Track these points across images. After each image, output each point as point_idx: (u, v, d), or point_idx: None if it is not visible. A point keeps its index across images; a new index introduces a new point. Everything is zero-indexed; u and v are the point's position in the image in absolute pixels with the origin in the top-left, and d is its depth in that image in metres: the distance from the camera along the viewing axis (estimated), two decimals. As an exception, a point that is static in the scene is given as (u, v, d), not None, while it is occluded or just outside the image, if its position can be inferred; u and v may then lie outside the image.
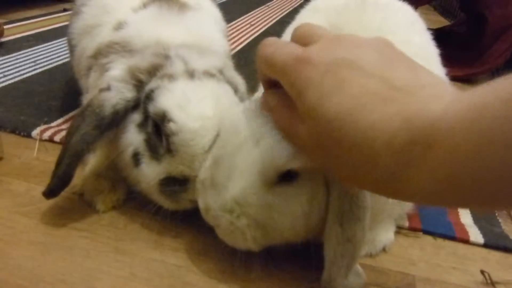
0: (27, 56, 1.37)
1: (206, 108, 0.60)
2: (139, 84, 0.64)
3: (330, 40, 0.43)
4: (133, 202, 0.69)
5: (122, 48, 0.71)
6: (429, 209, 0.75)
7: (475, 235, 0.70)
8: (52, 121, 0.95)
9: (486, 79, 1.62)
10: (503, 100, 0.30)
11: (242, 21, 2.16)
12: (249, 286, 0.57)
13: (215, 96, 0.62)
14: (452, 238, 0.70)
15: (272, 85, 0.49)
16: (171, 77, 0.63)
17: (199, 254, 0.62)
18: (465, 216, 0.76)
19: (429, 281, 0.61)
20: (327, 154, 0.41)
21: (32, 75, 1.22)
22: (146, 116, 0.63)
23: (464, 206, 0.38)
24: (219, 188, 0.52)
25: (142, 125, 0.63)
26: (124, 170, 0.66)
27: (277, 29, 2.02)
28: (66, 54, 1.32)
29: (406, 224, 0.71)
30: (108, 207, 0.69)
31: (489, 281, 0.61)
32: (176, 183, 0.60)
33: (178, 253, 0.62)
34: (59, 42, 1.51)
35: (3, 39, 1.50)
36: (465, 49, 1.60)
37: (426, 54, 0.64)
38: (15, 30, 1.65)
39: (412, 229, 0.71)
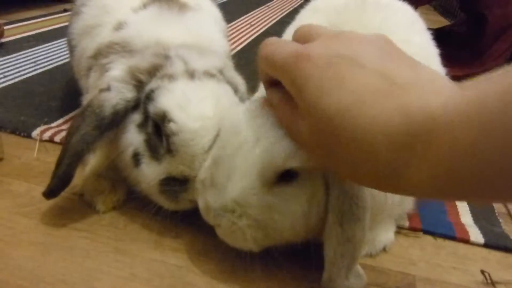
0: (27, 56, 1.37)
1: (206, 108, 0.60)
2: (139, 84, 0.64)
3: (330, 37, 0.43)
4: (133, 202, 0.69)
5: (122, 48, 0.71)
6: (429, 209, 0.75)
7: (476, 235, 0.70)
8: (52, 121, 0.95)
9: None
10: (501, 93, 0.30)
11: (242, 21, 2.16)
12: (249, 286, 0.57)
13: (215, 96, 0.62)
14: (453, 238, 0.70)
15: (273, 85, 0.49)
16: (171, 77, 0.63)
17: (200, 254, 0.62)
18: (466, 216, 0.76)
19: (430, 281, 0.61)
20: (328, 151, 0.41)
21: (32, 76, 1.22)
22: (146, 116, 0.63)
23: (464, 199, 0.38)
24: (219, 188, 0.52)
25: (142, 125, 0.63)
26: (124, 170, 0.66)
27: (277, 29, 2.02)
28: (66, 54, 1.32)
29: (406, 224, 0.71)
30: (108, 208, 0.69)
31: (489, 281, 0.61)
32: (176, 183, 0.60)
33: (179, 253, 0.62)
34: (59, 42, 1.52)
35: (4, 40, 1.50)
36: (465, 49, 1.60)
37: (426, 54, 0.64)
38: (15, 31, 1.65)
39: (412, 229, 0.71)
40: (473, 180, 0.32)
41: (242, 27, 2.04)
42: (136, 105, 0.64)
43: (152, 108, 0.61)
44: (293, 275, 0.59)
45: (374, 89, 0.37)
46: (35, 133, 0.89)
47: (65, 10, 2.02)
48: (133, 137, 0.63)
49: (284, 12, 2.54)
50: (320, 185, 0.51)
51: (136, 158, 0.63)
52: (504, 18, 1.50)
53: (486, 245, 0.69)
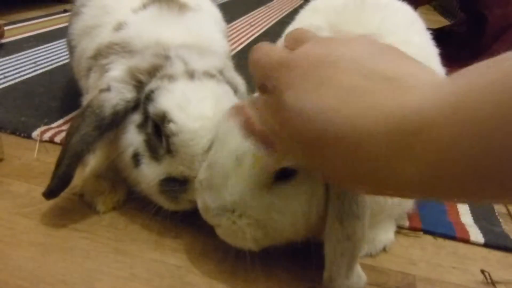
0: (27, 57, 1.37)
1: (206, 108, 0.60)
2: (139, 85, 0.64)
3: (316, 41, 0.44)
4: (133, 202, 0.69)
5: (122, 48, 0.71)
6: (429, 209, 0.75)
7: (476, 234, 0.70)
8: (52, 122, 0.95)
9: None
10: (482, 87, 0.30)
11: (242, 22, 2.17)
12: (250, 286, 0.57)
13: (215, 97, 0.62)
14: (453, 238, 0.70)
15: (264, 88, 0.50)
16: (171, 78, 0.63)
17: (199, 254, 0.62)
18: (466, 216, 0.76)
19: (430, 281, 0.61)
20: (312, 155, 0.41)
21: (33, 76, 1.22)
22: (146, 117, 0.63)
23: (452, 197, 0.38)
24: (217, 190, 0.52)
25: (142, 126, 0.63)
26: (124, 170, 0.67)
27: (277, 29, 2.02)
28: (66, 55, 1.32)
29: (407, 223, 0.71)
30: (108, 208, 0.69)
31: (489, 281, 0.61)
32: (176, 184, 0.60)
33: (178, 254, 0.62)
34: (60, 43, 1.52)
35: (4, 40, 1.50)
36: (465, 49, 1.59)
37: (426, 54, 0.64)
38: (15, 31, 1.65)
39: (413, 228, 0.71)
40: (459, 177, 0.32)
41: (242, 28, 2.04)
42: (136, 105, 0.64)
43: (152, 109, 0.61)
44: (293, 275, 0.59)
45: (356, 89, 0.37)
46: (35, 133, 0.89)
47: (65, 11, 2.02)
48: (133, 138, 0.63)
49: (284, 12, 2.54)
50: (320, 183, 0.51)
51: (136, 158, 0.63)
52: (504, 18, 1.50)
53: (486, 245, 0.69)
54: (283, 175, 0.50)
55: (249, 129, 0.49)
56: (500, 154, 0.29)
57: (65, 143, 0.63)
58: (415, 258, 0.65)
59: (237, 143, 0.51)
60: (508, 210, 0.79)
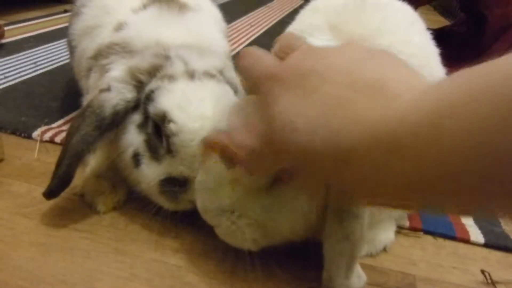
0: (27, 57, 1.38)
1: (206, 108, 0.60)
2: (139, 85, 0.64)
3: (304, 51, 0.44)
4: (133, 202, 0.70)
5: (122, 49, 0.72)
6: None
7: (476, 234, 0.70)
8: (52, 122, 0.95)
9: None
10: (465, 101, 0.30)
11: (242, 22, 2.17)
12: (250, 286, 0.57)
13: (215, 97, 0.62)
14: (453, 238, 0.70)
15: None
16: (171, 78, 0.63)
17: (200, 254, 0.62)
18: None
19: (430, 281, 0.61)
20: (301, 168, 0.42)
21: (33, 77, 1.22)
22: (146, 117, 0.63)
23: (437, 210, 0.38)
24: (216, 190, 0.52)
25: (142, 126, 0.63)
26: (125, 170, 0.67)
27: (277, 29, 2.02)
28: (66, 55, 1.32)
29: (407, 224, 0.71)
30: (109, 208, 0.69)
31: (489, 281, 0.61)
32: (176, 184, 0.60)
33: (179, 254, 0.62)
34: (60, 43, 1.52)
35: (4, 41, 1.50)
36: (465, 49, 1.59)
37: (426, 53, 0.64)
38: (15, 32, 1.65)
39: (413, 229, 0.71)
40: (441, 192, 0.32)
41: (242, 28, 2.04)
42: (136, 105, 0.64)
43: (152, 109, 0.61)
44: (293, 275, 0.59)
45: (341, 100, 0.37)
46: (36, 133, 0.89)
47: (66, 11, 2.02)
48: (133, 138, 0.63)
49: (284, 12, 2.55)
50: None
51: (136, 158, 0.63)
52: (504, 18, 1.50)
53: (486, 245, 0.69)
54: (282, 176, 0.50)
55: (228, 159, 0.49)
56: (481, 168, 0.29)
57: (65, 143, 0.63)
58: (415, 258, 0.65)
59: None
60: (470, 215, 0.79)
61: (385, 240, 0.65)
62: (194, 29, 0.78)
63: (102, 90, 0.64)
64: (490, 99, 0.28)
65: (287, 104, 0.40)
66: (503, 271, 0.63)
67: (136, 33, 0.73)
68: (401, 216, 0.70)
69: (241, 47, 1.71)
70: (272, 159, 0.44)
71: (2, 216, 0.65)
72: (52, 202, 0.67)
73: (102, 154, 0.70)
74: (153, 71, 0.65)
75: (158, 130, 0.61)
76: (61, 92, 1.13)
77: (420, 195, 0.34)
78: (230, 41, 1.49)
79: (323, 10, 0.66)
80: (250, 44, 1.77)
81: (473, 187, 0.30)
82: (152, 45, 0.70)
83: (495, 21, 1.52)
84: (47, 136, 0.88)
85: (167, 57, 0.67)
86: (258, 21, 2.24)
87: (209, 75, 0.65)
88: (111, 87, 0.64)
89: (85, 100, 0.77)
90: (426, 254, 0.66)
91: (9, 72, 1.22)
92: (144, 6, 0.79)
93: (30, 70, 1.26)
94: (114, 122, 0.63)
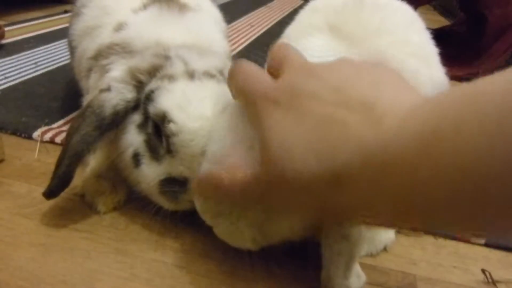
0: (28, 57, 1.38)
1: (206, 108, 0.60)
2: (139, 85, 0.64)
3: (295, 71, 0.43)
4: (133, 203, 0.70)
5: (122, 49, 0.72)
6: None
7: (476, 234, 0.70)
8: (53, 122, 0.95)
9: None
10: (453, 124, 0.30)
11: (242, 22, 2.17)
12: (250, 286, 0.57)
13: (215, 97, 0.62)
14: (453, 238, 0.70)
15: None
16: (171, 78, 0.63)
17: (200, 254, 0.62)
18: (466, 216, 0.75)
19: (430, 281, 0.61)
20: (293, 197, 0.41)
21: (33, 77, 1.22)
22: (146, 117, 0.63)
23: (432, 229, 0.38)
24: None
25: (142, 126, 0.63)
26: (125, 170, 0.67)
27: (277, 29, 2.02)
28: (66, 55, 1.32)
29: (407, 223, 0.71)
30: (109, 208, 0.69)
31: (490, 280, 0.61)
32: (176, 184, 0.60)
33: (179, 254, 0.62)
34: (60, 43, 1.52)
35: (4, 41, 1.50)
36: (465, 49, 1.60)
37: (425, 53, 0.64)
38: (16, 32, 1.65)
39: (413, 228, 0.71)
40: (431, 214, 0.32)
41: (242, 28, 2.04)
42: (136, 105, 0.64)
43: (152, 109, 0.61)
44: (294, 275, 0.59)
45: (332, 120, 0.37)
46: (36, 134, 0.89)
47: (66, 11, 2.02)
48: (133, 138, 0.64)
49: (284, 12, 2.54)
50: None
51: (136, 158, 0.63)
52: (504, 18, 1.50)
53: (486, 245, 0.69)
54: None
55: (222, 197, 0.49)
56: (473, 189, 0.29)
57: (65, 143, 0.63)
58: (416, 257, 0.65)
59: (227, 147, 0.50)
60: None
61: (385, 240, 0.65)
62: (194, 29, 0.78)
63: (102, 90, 0.64)
64: (478, 122, 0.28)
65: (281, 127, 0.40)
66: (503, 270, 0.63)
67: (136, 33, 0.73)
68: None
69: (241, 47, 1.71)
70: (267, 194, 0.43)
71: (2, 216, 0.65)
72: (52, 202, 0.67)
73: (102, 154, 0.70)
74: (153, 71, 0.65)
75: (158, 130, 0.61)
76: (62, 92, 1.13)
77: (417, 216, 0.34)
78: (230, 41, 1.50)
79: (322, 10, 0.66)
80: (250, 44, 1.77)
81: (465, 207, 0.30)
82: (152, 45, 0.70)
83: (495, 21, 1.52)
84: (47, 136, 0.88)
85: (167, 57, 0.67)
86: (258, 21, 2.24)
87: (209, 75, 0.65)
88: (111, 87, 0.64)
89: (85, 101, 0.77)
90: (426, 254, 0.66)
91: (9, 72, 1.23)
92: (144, 6, 0.79)
93: (31, 71, 1.26)
94: (114, 122, 0.63)
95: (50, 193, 0.62)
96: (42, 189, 0.62)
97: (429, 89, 0.60)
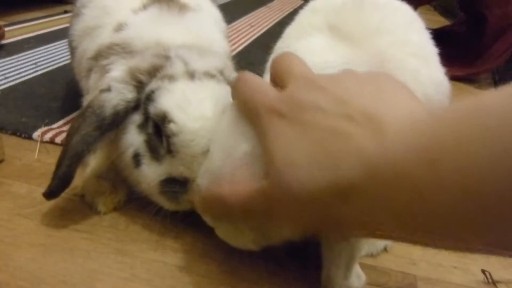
0: (28, 58, 1.38)
1: (207, 108, 0.60)
2: (139, 85, 0.64)
3: (300, 83, 0.43)
4: (133, 203, 0.69)
5: (123, 49, 0.72)
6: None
7: (476, 234, 0.70)
8: (53, 122, 0.95)
9: (486, 79, 1.62)
10: (461, 140, 0.29)
11: (242, 22, 2.17)
12: (250, 286, 0.57)
13: (215, 97, 0.62)
14: (453, 238, 0.70)
15: None
16: (171, 78, 0.63)
17: (200, 254, 0.62)
18: (466, 216, 0.75)
19: (431, 281, 0.61)
20: (297, 212, 0.41)
21: (33, 77, 1.22)
22: (147, 117, 0.63)
23: (437, 246, 0.38)
24: None
25: (142, 126, 0.63)
26: (125, 171, 0.67)
27: (277, 30, 2.02)
28: (67, 56, 1.32)
29: (407, 224, 0.71)
30: (109, 209, 0.69)
31: (490, 281, 0.61)
32: (177, 184, 0.60)
33: (179, 254, 0.62)
34: (60, 44, 1.52)
35: (4, 41, 1.50)
36: (465, 49, 1.60)
37: (425, 53, 0.64)
38: (16, 32, 1.65)
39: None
40: (437, 231, 0.32)
41: (242, 28, 2.04)
42: (137, 105, 0.64)
43: (152, 109, 0.61)
44: (294, 275, 0.59)
45: (337, 133, 0.37)
46: (36, 134, 0.89)
47: (66, 12, 2.02)
48: (133, 138, 0.64)
49: (284, 13, 2.55)
50: None
51: (137, 158, 0.63)
52: (504, 18, 1.50)
53: (487, 245, 0.69)
54: None
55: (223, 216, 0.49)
56: (477, 206, 0.29)
57: (65, 144, 0.63)
58: (416, 258, 0.65)
59: (225, 147, 0.50)
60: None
61: (386, 240, 0.65)
62: (194, 30, 0.78)
63: (102, 91, 0.64)
64: (480, 139, 0.28)
65: (286, 139, 0.40)
66: (503, 270, 0.63)
67: (136, 33, 0.73)
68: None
69: (241, 47, 1.71)
70: (272, 207, 0.43)
71: (2, 216, 0.65)
72: (52, 202, 0.67)
73: (102, 154, 0.70)
74: (153, 71, 0.65)
75: (158, 130, 0.61)
76: (62, 92, 1.13)
77: (419, 230, 0.34)
78: (230, 41, 1.50)
79: (322, 10, 0.66)
80: (250, 44, 1.77)
81: (468, 223, 0.30)
82: (152, 45, 0.70)
83: (495, 21, 1.52)
84: (47, 136, 0.88)
85: (167, 58, 0.67)
86: (258, 21, 2.24)
87: (209, 75, 0.65)
88: (111, 87, 0.64)
89: (86, 101, 0.77)
90: (426, 254, 0.66)
91: (9, 72, 1.23)
92: (144, 7, 0.79)
93: (31, 71, 1.26)
94: (115, 123, 0.63)
95: (50, 194, 0.62)
96: (42, 189, 0.62)
97: (429, 89, 0.60)
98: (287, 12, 2.56)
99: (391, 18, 0.64)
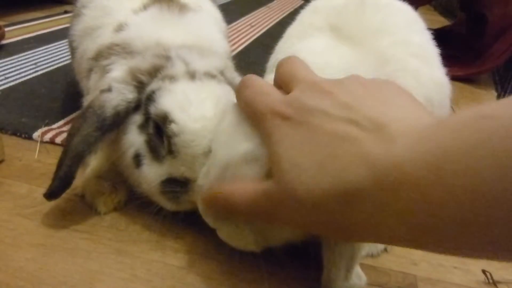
0: (28, 58, 1.37)
1: (207, 109, 0.60)
2: (140, 85, 0.64)
3: (306, 87, 0.43)
4: (134, 203, 0.69)
5: (123, 49, 0.71)
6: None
7: (477, 235, 0.70)
8: (53, 123, 0.95)
9: (486, 79, 1.63)
10: (466, 147, 0.30)
11: (242, 22, 2.17)
12: (251, 286, 0.57)
13: (216, 97, 0.62)
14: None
15: None
16: (172, 78, 0.63)
17: (201, 255, 0.62)
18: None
19: (431, 281, 0.61)
20: (302, 214, 0.40)
21: (33, 77, 1.22)
22: (147, 117, 0.63)
23: (444, 253, 0.38)
24: None
25: (143, 126, 0.63)
26: (125, 171, 0.67)
27: (277, 30, 2.02)
28: (67, 56, 1.32)
29: (408, 224, 0.71)
30: (109, 209, 0.69)
31: (490, 281, 0.61)
32: (177, 185, 0.60)
33: (180, 254, 0.62)
34: (60, 44, 1.52)
35: (4, 42, 1.50)
36: (465, 49, 1.60)
37: (426, 53, 0.64)
38: (16, 32, 1.65)
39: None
40: (445, 235, 0.32)
41: (243, 28, 2.04)
42: (137, 106, 0.64)
43: (153, 109, 0.61)
44: (294, 275, 0.59)
45: (343, 137, 0.37)
46: (36, 134, 0.89)
47: (66, 12, 2.02)
48: (134, 138, 0.63)
49: (285, 13, 2.55)
50: None
51: (137, 159, 0.63)
52: (504, 18, 1.50)
53: (487, 245, 0.69)
54: None
55: (228, 213, 0.49)
56: (489, 215, 0.29)
57: (66, 144, 0.63)
58: (416, 258, 0.65)
59: (227, 148, 0.50)
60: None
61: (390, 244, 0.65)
62: (194, 30, 0.78)
63: (102, 91, 0.64)
64: (487, 147, 0.29)
65: (291, 142, 0.40)
66: (504, 270, 0.63)
67: (137, 33, 0.73)
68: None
69: (241, 47, 1.71)
70: (276, 210, 0.42)
71: (2, 217, 0.65)
72: (52, 203, 0.67)
73: (103, 155, 0.70)
74: (154, 72, 0.65)
75: (159, 131, 0.61)
76: (62, 93, 1.13)
77: (427, 236, 0.34)
78: (230, 41, 1.50)
79: (323, 11, 0.66)
80: (250, 44, 1.77)
81: (476, 231, 0.30)
82: (153, 45, 0.70)
83: (495, 21, 1.52)
84: (47, 137, 0.88)
85: (167, 58, 0.67)
86: (258, 21, 2.24)
87: (210, 75, 0.65)
88: (111, 87, 0.64)
89: (86, 101, 0.77)
90: (427, 254, 0.66)
91: (9, 73, 1.22)
92: (145, 7, 0.79)
93: (31, 71, 1.26)
94: (115, 123, 0.63)
95: (51, 194, 0.62)
96: (42, 189, 0.62)
97: (430, 89, 0.60)
98: (287, 12, 2.56)
99: (392, 19, 0.64)
